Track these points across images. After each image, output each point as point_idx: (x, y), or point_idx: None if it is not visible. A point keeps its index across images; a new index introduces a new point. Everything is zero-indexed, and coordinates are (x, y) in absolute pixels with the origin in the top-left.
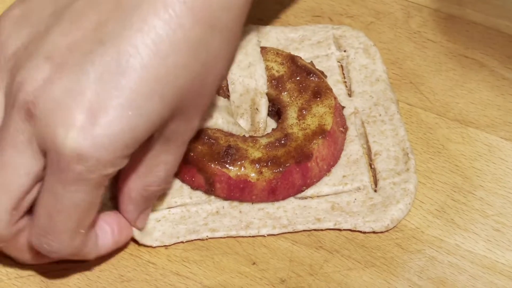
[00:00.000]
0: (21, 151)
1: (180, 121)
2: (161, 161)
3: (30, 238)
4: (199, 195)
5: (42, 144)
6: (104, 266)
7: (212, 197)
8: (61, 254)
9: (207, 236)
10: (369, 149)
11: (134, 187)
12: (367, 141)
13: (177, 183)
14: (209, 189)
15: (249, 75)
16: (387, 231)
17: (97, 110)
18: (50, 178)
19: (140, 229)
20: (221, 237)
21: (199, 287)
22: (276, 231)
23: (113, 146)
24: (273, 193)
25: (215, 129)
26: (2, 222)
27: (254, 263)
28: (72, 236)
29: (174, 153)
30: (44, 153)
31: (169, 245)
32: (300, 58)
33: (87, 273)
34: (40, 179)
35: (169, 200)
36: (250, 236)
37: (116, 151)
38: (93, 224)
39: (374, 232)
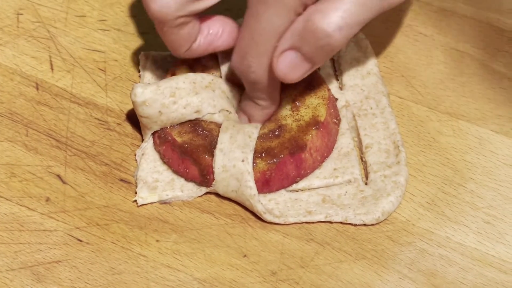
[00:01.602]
0: None
1: None
2: (338, 7)
3: (232, 64)
4: (190, 187)
5: None
6: (95, 258)
7: (203, 189)
8: (261, 75)
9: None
10: (360, 142)
11: (304, 15)
12: (358, 134)
13: (169, 176)
14: (203, 180)
15: None
16: (378, 223)
17: None
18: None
19: (279, 71)
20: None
21: (190, 280)
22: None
23: None
24: (267, 184)
25: (209, 121)
26: (178, 4)
27: (245, 256)
28: (269, 62)
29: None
30: None
31: (161, 240)
32: None
33: (79, 265)
34: None
35: (161, 193)
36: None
37: None
38: None
39: (365, 225)
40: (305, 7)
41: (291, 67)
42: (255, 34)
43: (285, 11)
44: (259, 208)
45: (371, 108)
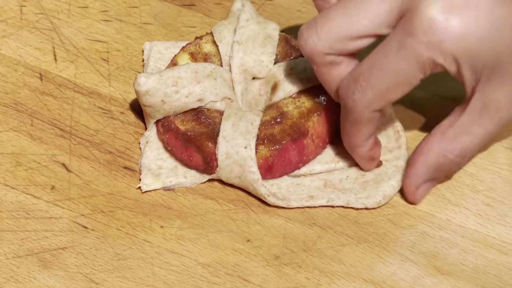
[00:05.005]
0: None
1: (499, 85)
2: (470, 131)
3: (342, 81)
4: (193, 174)
5: (405, 4)
6: (100, 245)
7: (206, 176)
8: (358, 107)
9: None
10: None
11: (435, 148)
12: None
13: (172, 163)
14: (207, 168)
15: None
16: (379, 207)
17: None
18: (393, 37)
19: (416, 202)
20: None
21: (194, 264)
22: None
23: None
24: (270, 171)
25: (212, 109)
26: (325, 42)
27: (248, 240)
28: (372, 101)
29: (485, 127)
30: (400, 15)
31: (165, 226)
32: (294, 38)
33: (84, 252)
34: (377, 35)
35: (164, 179)
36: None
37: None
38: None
39: (366, 209)
40: (433, 66)
41: (425, 195)
42: (375, 66)
43: (414, 61)
44: (262, 191)
45: None
